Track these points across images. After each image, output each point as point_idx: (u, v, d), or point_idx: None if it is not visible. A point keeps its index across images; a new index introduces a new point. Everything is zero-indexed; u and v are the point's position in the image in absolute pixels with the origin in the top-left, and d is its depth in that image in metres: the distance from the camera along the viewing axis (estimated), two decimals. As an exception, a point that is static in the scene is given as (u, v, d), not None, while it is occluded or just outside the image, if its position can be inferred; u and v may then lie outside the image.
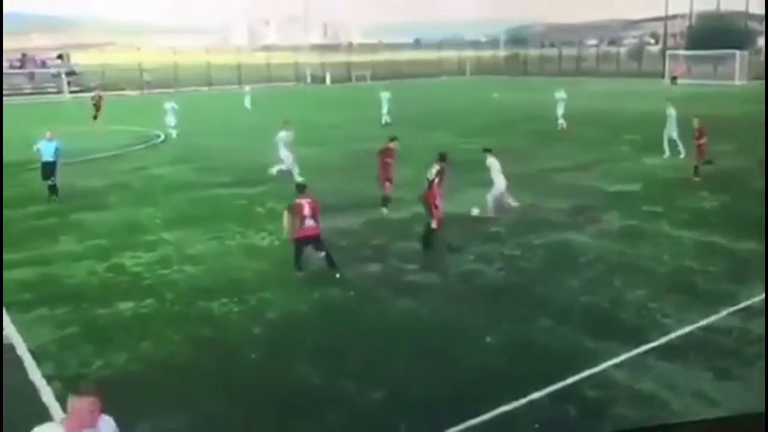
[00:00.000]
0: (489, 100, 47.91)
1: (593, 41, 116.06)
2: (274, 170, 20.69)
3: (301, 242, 12.18)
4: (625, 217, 15.55)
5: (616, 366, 8.51)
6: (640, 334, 9.35)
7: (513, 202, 16.38)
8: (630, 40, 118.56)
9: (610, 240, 13.98)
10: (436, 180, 13.43)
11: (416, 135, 29.25)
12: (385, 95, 35.41)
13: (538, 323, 9.90)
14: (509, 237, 14.26)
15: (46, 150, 18.63)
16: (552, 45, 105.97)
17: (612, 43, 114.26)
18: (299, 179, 20.31)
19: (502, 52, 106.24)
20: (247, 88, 49.93)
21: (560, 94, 31.00)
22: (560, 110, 30.58)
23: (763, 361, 8.10)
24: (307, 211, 12.02)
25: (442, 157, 13.96)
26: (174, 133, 30.64)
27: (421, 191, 13.63)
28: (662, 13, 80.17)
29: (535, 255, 13.12)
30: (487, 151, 16.32)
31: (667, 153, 22.37)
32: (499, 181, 15.87)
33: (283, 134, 20.81)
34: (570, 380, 8.12)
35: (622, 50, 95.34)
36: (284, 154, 20.72)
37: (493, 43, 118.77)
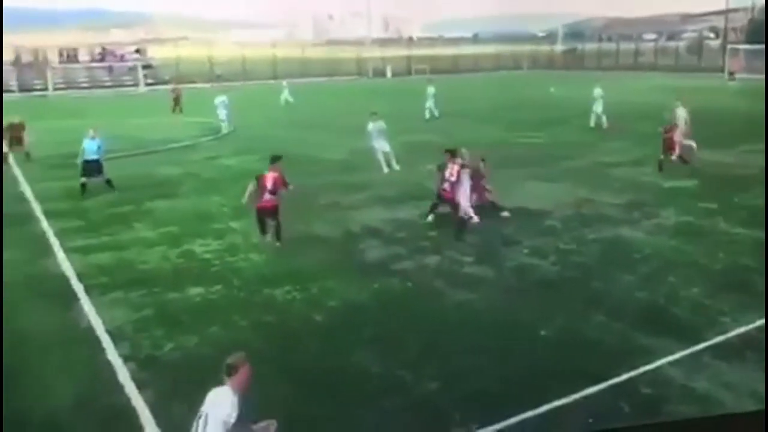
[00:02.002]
0: (545, 94, 47.14)
1: (652, 36, 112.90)
2: (385, 170, 20.55)
3: (260, 213, 13.04)
4: (680, 214, 15.14)
5: (671, 363, 8.30)
6: (695, 332, 9.09)
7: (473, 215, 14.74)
8: (689, 34, 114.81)
9: (666, 236, 13.63)
10: (461, 177, 14.04)
11: (465, 129, 29.15)
12: (430, 90, 34.74)
13: (592, 318, 9.72)
14: (564, 231, 14.03)
15: (89, 148, 18.25)
16: (610, 39, 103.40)
17: (671, 37, 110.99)
18: (396, 168, 20.43)
19: (559, 47, 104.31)
20: (284, 82, 47.29)
21: (598, 91, 30.06)
22: (599, 108, 29.69)
23: None
24: (269, 184, 12.80)
25: (453, 154, 14.35)
26: (225, 127, 30.68)
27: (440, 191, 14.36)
28: (723, 7, 77.42)
29: (589, 250, 12.88)
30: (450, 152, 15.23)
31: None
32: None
33: (371, 125, 20.80)
34: (624, 376, 7.96)
35: (681, 45, 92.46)
36: (378, 144, 20.72)
37: (551, 38, 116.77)
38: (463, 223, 14.02)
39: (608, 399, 7.57)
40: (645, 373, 8.08)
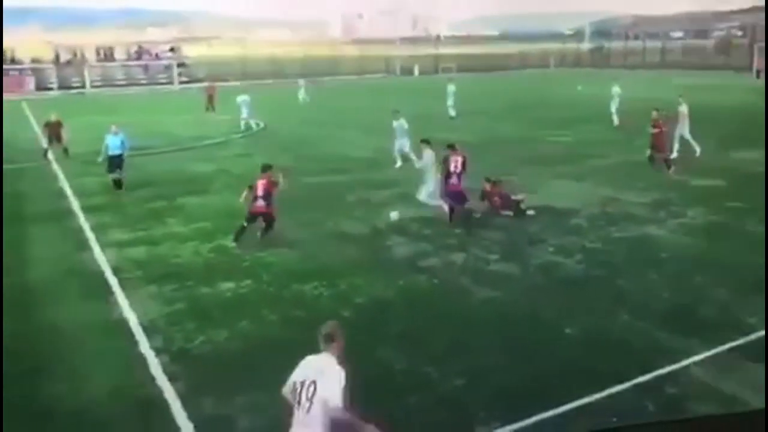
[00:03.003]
0: (572, 92, 46.65)
1: (679, 33, 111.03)
2: (398, 163, 20.63)
3: (251, 217, 13.32)
4: (707, 213, 14.88)
5: (696, 363, 8.16)
6: (722, 332, 8.92)
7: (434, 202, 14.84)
8: (717, 32, 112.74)
9: (692, 235, 13.41)
10: (460, 171, 14.04)
11: (489, 127, 28.98)
12: (450, 88, 34.31)
13: (617, 317, 9.59)
14: (590, 230, 13.87)
15: (112, 143, 18.13)
16: (636, 37, 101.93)
17: (698, 35, 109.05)
18: (417, 165, 20.36)
19: (586, 45, 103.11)
20: (301, 81, 46.98)
21: (616, 89, 29.64)
22: (614, 105, 29.35)
23: None
24: (260, 191, 13.21)
25: (452, 147, 14.35)
26: (254, 124, 30.74)
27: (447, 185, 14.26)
28: (751, 5, 75.83)
29: (615, 248, 12.71)
30: (425, 142, 15.35)
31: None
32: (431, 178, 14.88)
33: (394, 123, 20.81)
34: (649, 376, 7.83)
35: (709, 43, 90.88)
36: (398, 142, 20.65)
37: (578, 36, 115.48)
38: (468, 214, 13.99)
39: (633, 398, 7.46)
40: (670, 372, 7.94)
